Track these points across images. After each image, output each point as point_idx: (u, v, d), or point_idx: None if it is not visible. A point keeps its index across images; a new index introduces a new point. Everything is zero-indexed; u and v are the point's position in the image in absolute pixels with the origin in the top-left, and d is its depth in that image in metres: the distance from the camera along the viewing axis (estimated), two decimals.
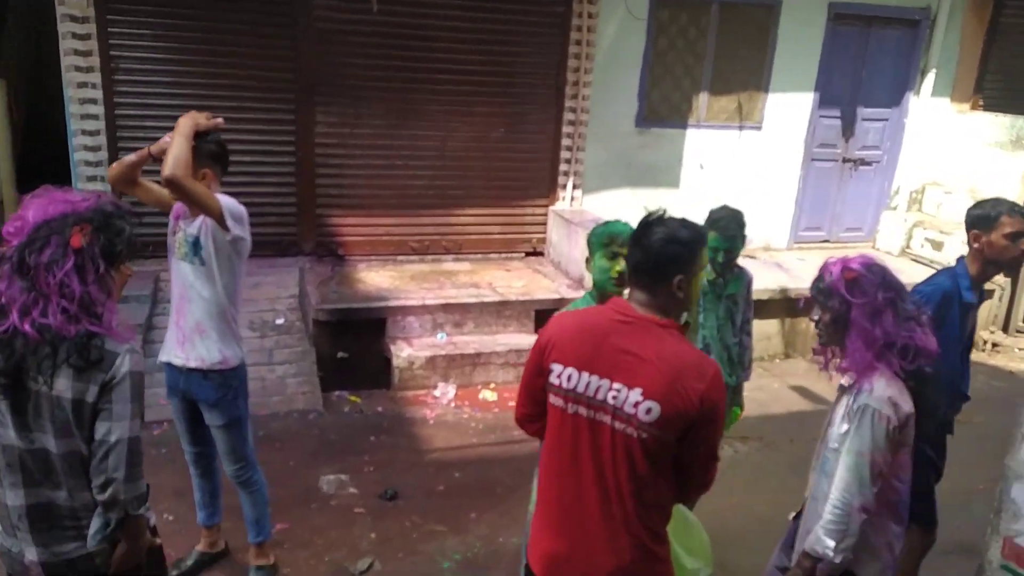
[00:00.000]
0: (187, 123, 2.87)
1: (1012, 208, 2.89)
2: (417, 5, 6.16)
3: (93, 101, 5.71)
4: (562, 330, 2.01)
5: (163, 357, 3.15)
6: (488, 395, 5.57)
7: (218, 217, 2.87)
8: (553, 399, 1.98)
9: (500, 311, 6.02)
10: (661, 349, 1.87)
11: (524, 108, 6.78)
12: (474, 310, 5.91)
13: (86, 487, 1.97)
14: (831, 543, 2.15)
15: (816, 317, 2.34)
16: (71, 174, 5.84)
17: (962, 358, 3.13)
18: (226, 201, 2.91)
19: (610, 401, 1.88)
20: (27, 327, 1.85)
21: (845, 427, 2.23)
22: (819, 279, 2.33)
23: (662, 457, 1.87)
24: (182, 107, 5.81)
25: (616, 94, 6.94)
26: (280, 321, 5.71)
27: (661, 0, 6.84)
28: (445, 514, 4.08)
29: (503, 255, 7.04)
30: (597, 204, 7.06)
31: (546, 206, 7.05)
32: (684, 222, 1.97)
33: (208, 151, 3.03)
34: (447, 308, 5.85)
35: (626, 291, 2.06)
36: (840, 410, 2.31)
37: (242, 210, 3.00)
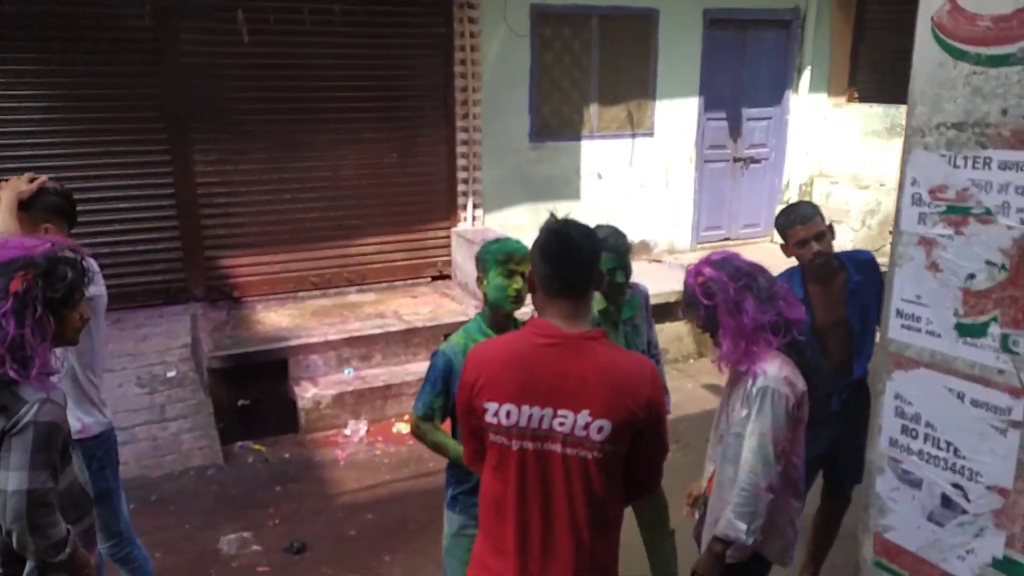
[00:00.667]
0: (7, 195, 2.63)
1: (803, 216, 3.06)
2: (291, 33, 5.97)
3: None
4: (488, 365, 1.89)
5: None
6: (402, 427, 5.35)
7: None
8: (493, 437, 1.87)
9: (408, 339, 5.83)
10: (599, 365, 1.81)
11: (415, 130, 6.65)
12: (380, 341, 5.71)
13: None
14: (743, 526, 2.18)
15: (696, 323, 2.39)
16: None
17: (856, 340, 3.16)
18: None
19: (557, 429, 1.80)
20: None
21: (744, 411, 2.25)
22: (684, 292, 2.39)
23: (616, 470, 1.86)
24: (43, 153, 5.57)
25: (507, 110, 6.91)
26: (172, 374, 5.35)
27: (541, 16, 6.87)
28: (357, 561, 3.85)
29: (409, 282, 6.86)
30: (499, 222, 6.99)
31: (448, 228, 6.92)
32: (584, 228, 1.91)
33: (48, 204, 2.74)
34: (352, 342, 5.63)
35: (525, 308, 2.02)
36: (737, 395, 2.32)
37: (92, 264, 2.72)
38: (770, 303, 2.23)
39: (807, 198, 8.48)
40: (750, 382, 2.24)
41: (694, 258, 2.68)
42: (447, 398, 2.49)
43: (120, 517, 2.96)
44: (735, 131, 8.13)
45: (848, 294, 3.12)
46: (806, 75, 8.17)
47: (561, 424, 1.80)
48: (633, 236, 7.55)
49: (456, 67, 6.56)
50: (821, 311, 3.13)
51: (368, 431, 5.26)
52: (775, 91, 8.23)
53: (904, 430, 2.17)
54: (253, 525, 4.16)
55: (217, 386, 5.29)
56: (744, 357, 2.24)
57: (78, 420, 2.77)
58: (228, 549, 3.95)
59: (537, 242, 1.89)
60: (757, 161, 8.33)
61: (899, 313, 2.14)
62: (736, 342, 2.23)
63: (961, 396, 2.01)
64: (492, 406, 1.84)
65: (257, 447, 5.10)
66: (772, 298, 2.24)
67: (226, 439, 5.14)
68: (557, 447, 1.81)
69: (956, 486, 2.04)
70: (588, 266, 1.86)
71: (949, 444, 2.06)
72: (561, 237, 1.85)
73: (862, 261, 3.21)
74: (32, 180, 2.68)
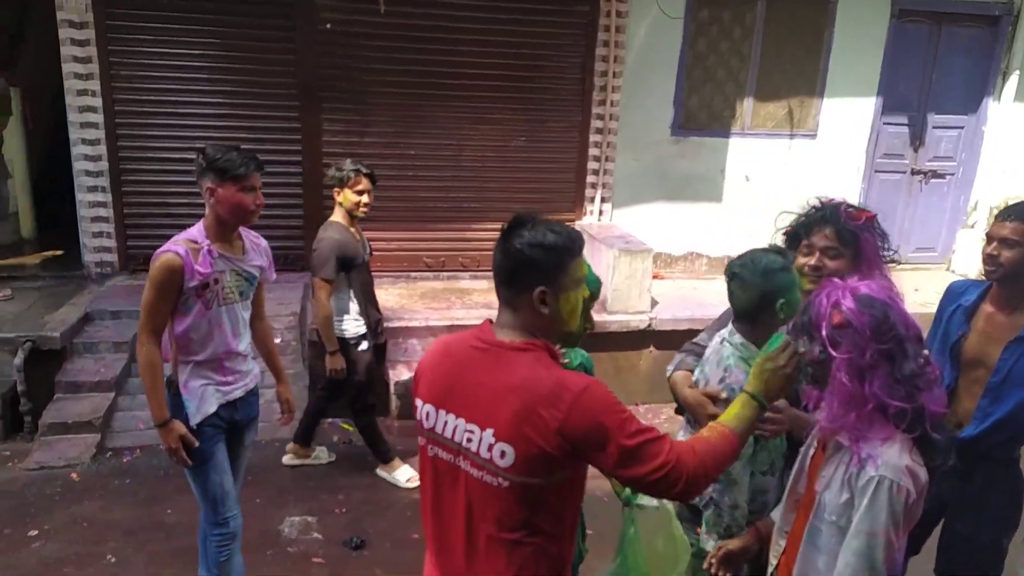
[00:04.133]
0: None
1: (1009, 213, 2.47)
2: (429, 5, 5.78)
3: (93, 109, 5.52)
4: (427, 358, 1.76)
5: (210, 409, 2.78)
6: None
7: None
8: (421, 439, 1.72)
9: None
10: (512, 379, 1.56)
11: (547, 114, 6.28)
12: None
13: None
14: None
15: (802, 349, 1.77)
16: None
17: (989, 390, 2.53)
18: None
19: (464, 444, 1.60)
20: None
21: (846, 496, 1.73)
22: (806, 309, 1.77)
23: (541, 502, 1.58)
24: (182, 115, 5.75)
25: (649, 99, 6.37)
26: (277, 341, 5.29)
27: None
28: (413, 568, 3.56)
29: None
30: (629, 219, 6.49)
31: (572, 220, 6.50)
32: (555, 225, 1.64)
33: None
34: (453, 330, 5.37)
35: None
36: (835, 472, 1.77)
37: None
38: (907, 385, 1.63)
39: None
40: (856, 467, 1.70)
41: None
42: None
43: None
44: (917, 139, 7.10)
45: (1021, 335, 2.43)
46: (1012, 80, 6.96)
47: (468, 440, 1.60)
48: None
49: (598, 49, 6.12)
50: (975, 338, 2.52)
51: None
52: (971, 97, 7.09)
53: None
54: (320, 510, 4.01)
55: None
56: (853, 430, 1.69)
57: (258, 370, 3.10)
58: (289, 532, 3.82)
59: None
60: (941, 176, 7.24)
61: None
62: (845, 410, 1.68)
63: None
64: (419, 402, 1.72)
65: (345, 426, 4.98)
66: (912, 379, 1.64)
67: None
68: (465, 464, 1.62)
69: None
70: (520, 267, 1.61)
71: None
72: (507, 231, 1.64)
73: None
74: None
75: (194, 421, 2.73)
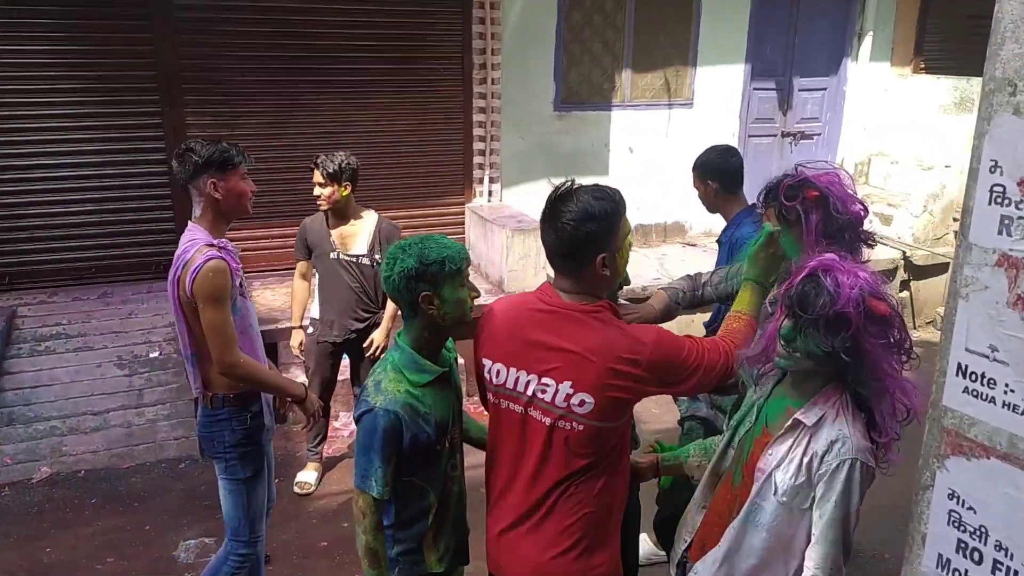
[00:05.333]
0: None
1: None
2: None
3: None
4: (492, 322, 1.92)
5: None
6: None
7: None
8: (490, 395, 1.92)
9: None
10: (588, 339, 1.75)
11: (429, 96, 6.13)
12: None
13: None
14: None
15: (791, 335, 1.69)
16: None
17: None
18: None
19: (539, 396, 1.80)
20: None
21: (803, 479, 1.72)
22: (810, 291, 1.64)
23: (608, 442, 1.81)
24: (24, 119, 5.23)
25: (530, 76, 6.33)
26: (155, 354, 5.00)
27: None
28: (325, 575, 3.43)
29: None
30: (519, 198, 6.45)
31: (462, 204, 6.41)
32: (597, 191, 1.78)
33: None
34: None
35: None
36: (793, 456, 1.74)
37: None
38: (900, 353, 1.71)
39: (863, 178, 7.73)
40: (825, 446, 1.69)
41: None
42: (397, 463, 1.93)
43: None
44: (784, 103, 7.40)
45: None
46: (867, 42, 7.37)
47: (543, 391, 1.79)
48: (666, 217, 7.09)
49: (474, 26, 6.00)
50: None
51: None
52: (831, 59, 7.46)
53: (962, 547, 1.51)
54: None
55: None
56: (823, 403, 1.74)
57: None
58: (185, 557, 3.57)
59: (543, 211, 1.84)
60: (808, 137, 7.59)
61: (961, 370, 1.47)
62: (882, 395, 1.70)
63: None
64: (487, 362, 1.89)
65: None
66: (900, 347, 1.71)
67: None
68: (538, 414, 1.81)
69: None
70: (577, 243, 1.75)
71: None
72: (553, 208, 1.78)
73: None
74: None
75: (270, 422, 2.74)
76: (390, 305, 3.97)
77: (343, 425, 4.86)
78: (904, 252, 6.93)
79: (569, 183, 1.80)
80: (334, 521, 3.87)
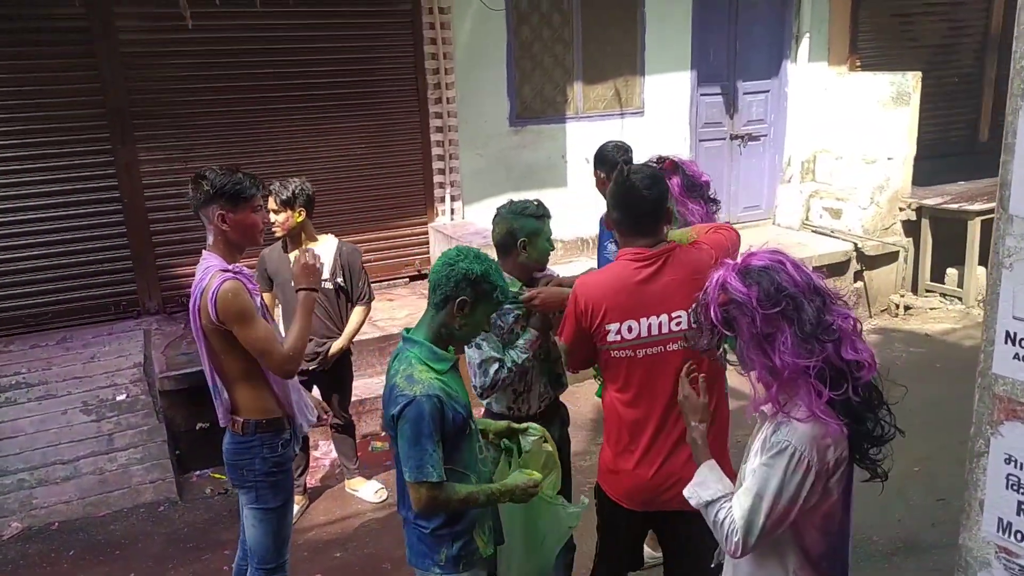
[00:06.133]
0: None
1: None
2: (240, 16, 5.37)
3: None
4: (601, 295, 2.27)
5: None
6: (377, 446, 4.87)
7: None
8: (616, 353, 2.28)
9: (383, 348, 5.33)
10: (687, 267, 2.24)
11: (385, 119, 6.12)
12: (351, 351, 5.19)
13: None
14: (710, 510, 1.80)
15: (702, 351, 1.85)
16: None
17: None
18: None
19: (675, 329, 2.23)
20: None
21: (759, 461, 1.72)
22: (699, 299, 1.76)
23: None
24: None
25: (484, 93, 6.38)
26: (122, 397, 4.84)
27: None
28: None
29: (386, 283, 6.34)
30: (481, 214, 6.46)
31: (426, 223, 6.41)
32: (643, 168, 2.41)
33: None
34: None
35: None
36: (757, 442, 1.78)
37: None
38: (817, 341, 1.59)
39: (810, 175, 7.98)
40: (773, 427, 1.69)
41: None
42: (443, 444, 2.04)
43: None
44: (731, 106, 7.60)
45: None
46: (805, 43, 7.63)
47: (678, 324, 2.22)
48: None
49: (426, 47, 6.03)
50: None
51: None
52: (772, 62, 7.70)
53: (1022, 509, 1.57)
54: (205, 571, 3.67)
55: (172, 409, 4.79)
56: (776, 406, 1.68)
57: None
58: None
59: (611, 193, 2.36)
60: (756, 138, 7.80)
61: (1010, 338, 1.52)
62: (766, 384, 1.67)
63: None
64: (614, 327, 2.25)
65: (217, 475, 4.60)
66: (822, 333, 1.60)
67: (185, 467, 4.67)
68: (676, 345, 2.23)
69: None
70: (653, 212, 2.31)
71: None
72: (627, 189, 2.29)
73: None
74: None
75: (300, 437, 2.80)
76: (354, 319, 4.03)
77: (323, 455, 4.79)
78: (855, 244, 7.17)
79: (631, 168, 2.33)
80: (326, 551, 3.80)
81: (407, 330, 2.16)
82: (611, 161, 3.72)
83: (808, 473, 1.63)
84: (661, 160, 3.13)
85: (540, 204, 2.72)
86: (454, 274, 2.02)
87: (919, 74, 7.24)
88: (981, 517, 1.64)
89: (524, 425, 2.31)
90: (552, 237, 2.72)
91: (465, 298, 2.03)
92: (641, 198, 2.25)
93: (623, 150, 3.84)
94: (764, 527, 1.67)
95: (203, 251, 2.59)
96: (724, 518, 1.75)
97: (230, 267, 2.50)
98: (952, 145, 8.92)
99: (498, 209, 2.72)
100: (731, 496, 1.78)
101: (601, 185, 3.85)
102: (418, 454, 1.94)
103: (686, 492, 1.87)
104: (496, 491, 2.10)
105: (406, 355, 2.07)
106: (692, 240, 2.48)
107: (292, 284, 3.79)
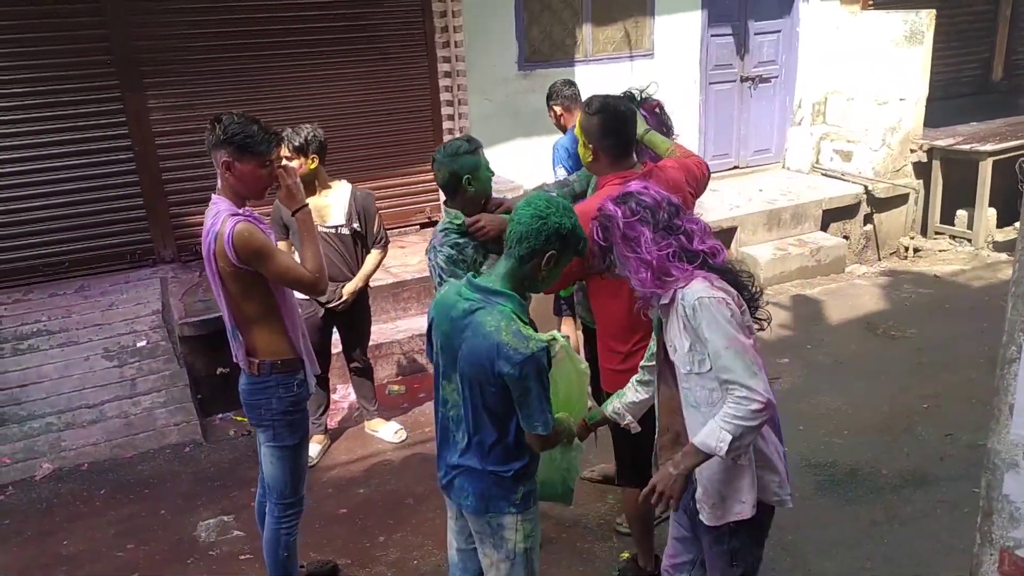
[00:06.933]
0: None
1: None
2: None
3: None
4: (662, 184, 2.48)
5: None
6: (394, 389, 4.97)
7: None
8: None
9: (397, 294, 5.39)
10: (666, 183, 2.54)
11: (392, 64, 6.06)
12: (368, 296, 5.25)
13: None
14: (728, 436, 1.88)
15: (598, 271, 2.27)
16: None
17: None
18: None
19: None
20: None
21: (688, 342, 2.00)
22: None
23: None
24: None
25: (493, 36, 6.30)
26: (142, 343, 4.93)
27: None
28: (348, 543, 3.49)
29: (397, 230, 6.36)
30: (490, 159, 6.42)
31: None
32: (619, 98, 2.75)
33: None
34: None
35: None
36: (673, 330, 2.05)
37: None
38: (670, 234, 2.01)
39: (820, 118, 7.90)
40: (678, 308, 2.00)
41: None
42: None
43: None
44: (742, 47, 7.50)
45: None
46: None
47: None
48: None
49: None
50: None
51: None
52: (783, 1, 7.55)
53: None
54: (234, 507, 3.80)
55: (192, 355, 4.88)
56: (658, 286, 2.00)
57: None
58: (207, 536, 3.60)
59: (600, 122, 2.56)
60: (766, 80, 7.71)
61: None
62: (643, 271, 2.00)
63: None
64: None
65: (240, 418, 4.71)
66: (673, 229, 2.02)
67: (207, 411, 4.78)
68: None
69: None
70: (634, 133, 2.67)
71: None
72: (617, 114, 2.57)
73: None
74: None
75: (313, 381, 2.85)
76: (370, 260, 4.05)
77: (342, 397, 4.89)
78: (866, 187, 7.14)
79: (604, 96, 2.65)
80: (349, 489, 3.92)
81: (478, 277, 2.09)
82: (565, 95, 4.25)
83: (729, 304, 1.96)
84: (627, 93, 3.27)
85: (471, 138, 2.79)
86: (546, 228, 1.99)
87: (932, 12, 7.11)
88: (1011, 421, 1.70)
89: (548, 335, 2.25)
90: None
91: (554, 252, 2.01)
92: (627, 120, 2.56)
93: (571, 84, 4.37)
94: (752, 362, 1.90)
95: (212, 195, 2.60)
96: (731, 404, 1.89)
97: (240, 210, 2.52)
98: (965, 85, 8.80)
99: (433, 157, 2.75)
100: (716, 412, 1.94)
101: (557, 119, 4.34)
102: (546, 408, 2.01)
103: (702, 448, 1.93)
104: (565, 425, 2.21)
105: (500, 308, 2.00)
106: (671, 152, 2.83)
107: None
